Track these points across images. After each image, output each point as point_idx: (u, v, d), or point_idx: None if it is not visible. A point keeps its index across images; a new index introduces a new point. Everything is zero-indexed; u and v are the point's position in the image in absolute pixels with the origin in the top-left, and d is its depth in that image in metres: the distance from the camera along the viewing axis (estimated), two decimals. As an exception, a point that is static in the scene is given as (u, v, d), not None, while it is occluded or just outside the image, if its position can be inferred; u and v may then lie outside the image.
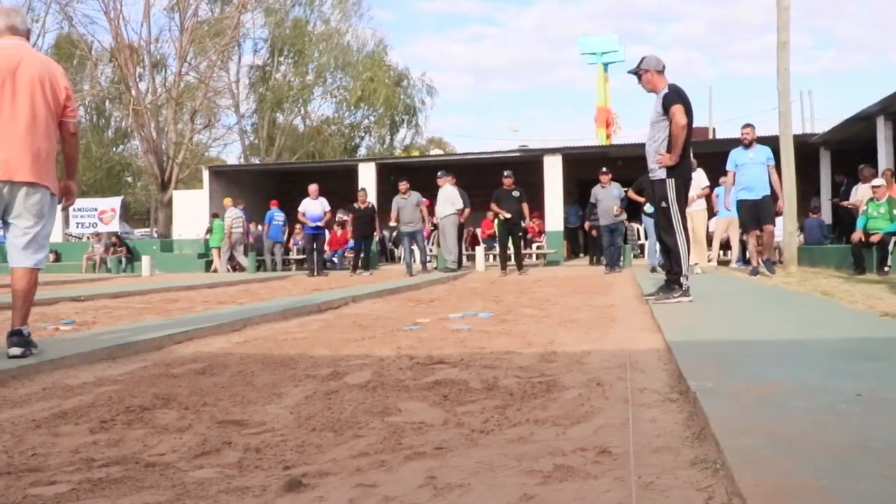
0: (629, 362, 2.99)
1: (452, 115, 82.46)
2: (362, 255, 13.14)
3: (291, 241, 17.06)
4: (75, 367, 3.25)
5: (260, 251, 16.01)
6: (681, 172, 5.29)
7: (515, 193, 11.49)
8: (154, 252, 17.31)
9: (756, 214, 8.44)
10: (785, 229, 10.10)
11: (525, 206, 11.67)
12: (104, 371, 3.18)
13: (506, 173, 11.63)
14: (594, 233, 12.29)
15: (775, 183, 8.56)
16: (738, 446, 1.57)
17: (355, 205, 13.10)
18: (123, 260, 17.86)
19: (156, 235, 24.88)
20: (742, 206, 8.56)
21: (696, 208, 9.29)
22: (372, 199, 14.50)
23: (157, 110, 26.84)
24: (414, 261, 12.86)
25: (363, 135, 35.25)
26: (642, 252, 15.90)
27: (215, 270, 15.70)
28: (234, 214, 15.61)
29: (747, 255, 9.52)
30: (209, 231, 16.39)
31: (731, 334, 3.54)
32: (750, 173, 8.44)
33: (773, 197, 8.56)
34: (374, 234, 13.55)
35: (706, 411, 1.89)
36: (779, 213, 9.08)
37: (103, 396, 2.61)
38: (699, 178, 9.23)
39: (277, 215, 15.64)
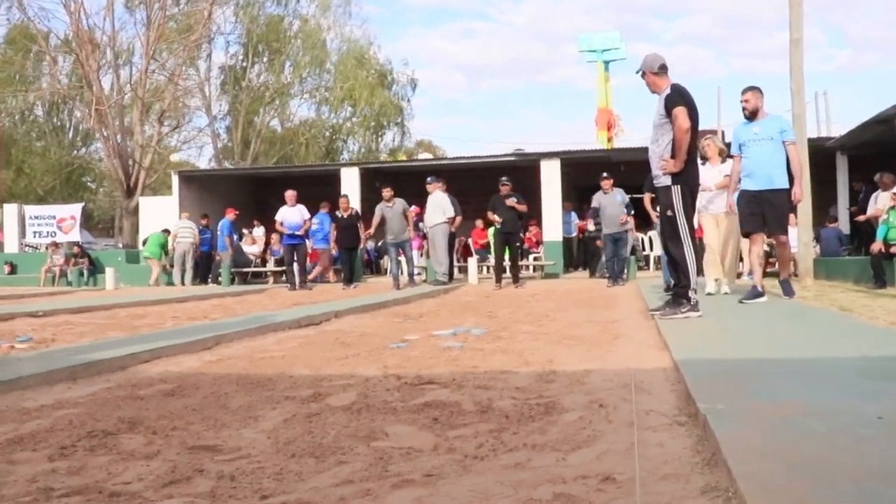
0: (634, 382, 2.99)
1: (442, 116, 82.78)
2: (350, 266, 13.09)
3: (268, 251, 17.04)
4: (32, 389, 3.22)
5: (238, 263, 16.05)
6: (687, 178, 5.33)
7: (512, 200, 11.52)
8: (119, 264, 17.24)
9: (759, 212, 6.55)
10: (800, 240, 10.16)
11: (523, 206, 11.68)
12: (64, 393, 3.16)
13: (503, 180, 11.68)
14: (599, 242, 12.30)
15: (795, 165, 6.51)
16: (751, 472, 1.58)
17: (338, 213, 13.10)
18: (85, 272, 17.75)
19: (121, 246, 24.80)
20: (741, 197, 6.72)
21: (719, 209, 7.45)
22: (356, 206, 14.49)
23: (122, 110, 26.80)
24: (401, 273, 12.86)
25: (346, 138, 35.34)
26: (647, 264, 16.00)
27: (160, 283, 15.88)
28: (181, 224, 15.87)
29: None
30: (144, 242, 16.63)
31: (743, 352, 3.56)
32: (753, 154, 6.55)
33: (789, 186, 6.54)
34: (360, 243, 13.52)
35: (717, 435, 1.90)
36: (794, 206, 7.30)
37: (63, 420, 2.58)
38: (723, 168, 7.47)
39: (231, 227, 15.62)
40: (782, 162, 6.49)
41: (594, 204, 11.83)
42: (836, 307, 5.95)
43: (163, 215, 17.74)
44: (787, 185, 6.47)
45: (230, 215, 15.38)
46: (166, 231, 16.56)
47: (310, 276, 14.09)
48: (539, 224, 16.29)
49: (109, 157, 25.53)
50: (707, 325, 4.83)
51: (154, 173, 27.46)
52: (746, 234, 6.83)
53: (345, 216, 12.97)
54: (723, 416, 2.09)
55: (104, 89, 26.01)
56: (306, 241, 13.60)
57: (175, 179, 18.35)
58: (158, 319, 6.94)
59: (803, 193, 6.75)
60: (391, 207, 12.39)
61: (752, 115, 6.62)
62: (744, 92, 6.70)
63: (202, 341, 4.67)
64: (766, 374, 2.86)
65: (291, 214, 12.94)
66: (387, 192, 12.50)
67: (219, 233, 15.66)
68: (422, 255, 15.68)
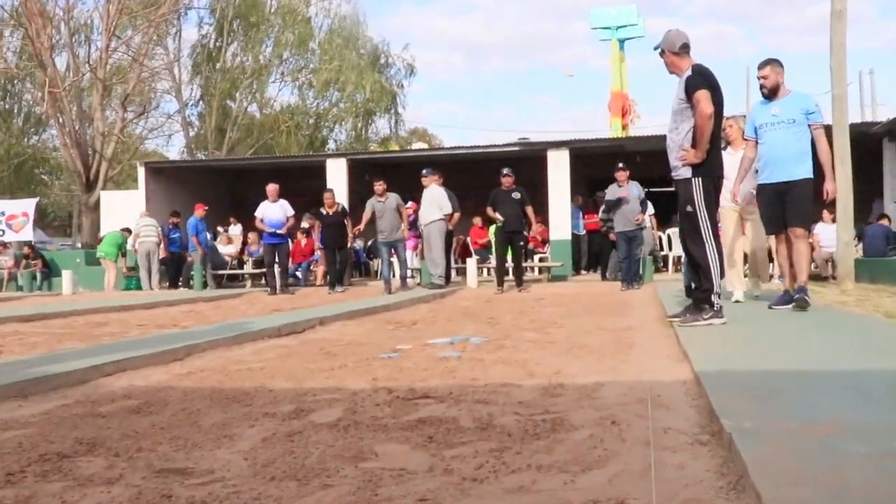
0: (650, 397, 3.00)
1: (439, 101, 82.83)
2: (337, 269, 13.09)
3: (246, 252, 17.05)
4: (-20, 406, 3.21)
5: (213, 265, 16.07)
6: (709, 170, 5.33)
7: (516, 195, 11.52)
8: (77, 266, 17.19)
9: (780, 209, 6.27)
10: (839, 238, 10.13)
11: (529, 210, 11.70)
12: (13, 411, 3.15)
13: (505, 171, 11.67)
14: (612, 235, 12.28)
15: (823, 155, 6.18)
16: (783, 499, 1.58)
17: (322, 210, 13.08)
18: (39, 275, 17.72)
19: (79, 246, 24.72)
20: (761, 192, 6.47)
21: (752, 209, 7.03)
22: (343, 200, 14.49)
23: (80, 93, 26.74)
24: (393, 275, 12.86)
25: (332, 125, 35.34)
26: (665, 265, 16.02)
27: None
28: (143, 223, 15.88)
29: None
30: (99, 241, 16.71)
31: (773, 363, 3.56)
32: (770, 140, 6.23)
33: (817, 178, 6.23)
34: (347, 243, 13.50)
35: (744, 456, 1.90)
36: (826, 203, 6.81)
37: (11, 443, 2.58)
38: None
39: (200, 224, 15.57)
40: (805, 149, 6.14)
41: (609, 196, 11.79)
42: (882, 313, 5.95)
43: (127, 212, 17.70)
44: (811, 176, 6.17)
45: (199, 212, 15.35)
46: (126, 230, 16.52)
47: (318, 281, 14.07)
48: (545, 221, 16.28)
49: (66, 146, 25.44)
50: (732, 333, 4.84)
51: (117, 165, 27.39)
52: (770, 233, 6.66)
53: (329, 213, 12.96)
54: (750, 436, 2.09)
55: (59, 69, 25.93)
56: (289, 240, 13.59)
57: (141, 172, 18.33)
58: (122, 328, 6.93)
59: (836, 189, 6.20)
60: (383, 203, 12.39)
61: (771, 94, 6.29)
62: (761, 66, 6.36)
63: (171, 352, 4.66)
64: (799, 388, 2.86)
65: (273, 210, 12.93)
66: (379, 186, 12.49)
67: (194, 233, 15.64)
68: (416, 256, 15.69)
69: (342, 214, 13.10)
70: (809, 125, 6.15)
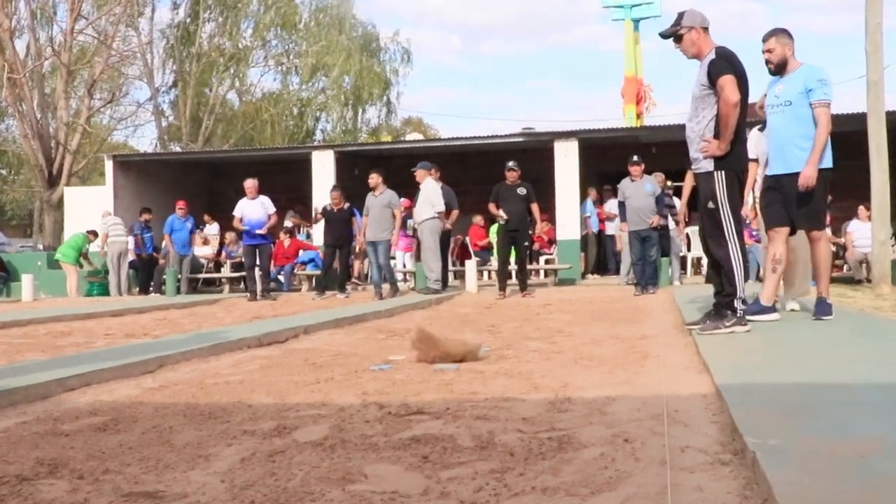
0: (667, 412, 3.00)
1: (434, 86, 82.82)
2: (336, 271, 13.00)
3: (223, 253, 17.03)
4: (-69, 423, 3.21)
5: (197, 268, 16.09)
6: (733, 162, 5.34)
7: (521, 191, 11.51)
8: (38, 269, 17.14)
9: (780, 202, 5.95)
10: (875, 237, 10.14)
11: (535, 208, 11.69)
12: (-29, 428, 3.14)
13: (510, 164, 11.65)
14: (623, 227, 12.24)
15: (817, 135, 5.66)
16: (810, 522, 1.58)
17: (327, 205, 13.00)
18: (-4, 280, 17.71)
19: (41, 247, 24.72)
20: (763, 185, 6.24)
21: None
22: (327, 198, 14.42)
23: (42, 79, 26.72)
24: (385, 280, 12.81)
25: (318, 114, 35.35)
26: (684, 267, 16.01)
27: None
28: (112, 221, 15.91)
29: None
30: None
31: (802, 375, 3.57)
32: (772, 126, 5.94)
33: (834, 167, 5.85)
34: (348, 243, 13.32)
35: (770, 478, 1.90)
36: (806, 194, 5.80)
37: (-31, 462, 2.57)
38: None
39: (176, 223, 15.56)
40: (805, 133, 5.72)
41: (620, 197, 11.79)
42: (920, 320, 5.96)
43: (93, 209, 17.66)
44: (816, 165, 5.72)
45: (178, 211, 15.39)
46: (92, 233, 16.48)
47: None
48: (552, 220, 16.26)
49: (27, 137, 25.43)
50: (757, 342, 4.84)
51: (83, 158, 27.38)
52: (769, 229, 6.13)
53: (335, 210, 12.86)
54: (776, 455, 2.09)
55: (18, 54, 25.90)
56: (271, 240, 13.56)
57: (109, 165, 18.27)
58: (87, 338, 6.92)
59: (812, 176, 5.63)
60: (375, 198, 12.35)
61: (778, 70, 5.90)
62: (765, 39, 5.94)
63: (142, 364, 4.66)
64: (830, 403, 2.87)
65: (252, 208, 12.90)
66: (373, 179, 12.42)
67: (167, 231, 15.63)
68: (407, 257, 15.67)
69: (349, 213, 12.98)
70: (811, 104, 5.69)
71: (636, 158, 11.61)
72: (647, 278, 11.49)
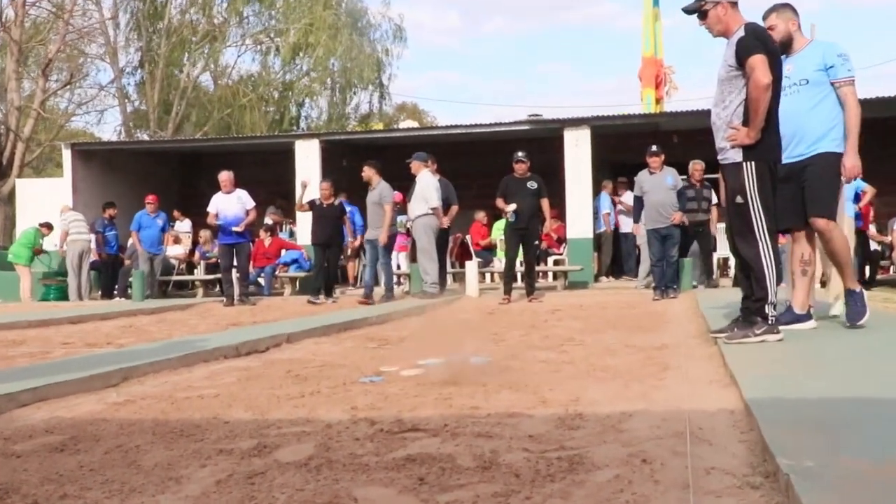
0: (689, 429, 3.00)
1: (431, 70, 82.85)
2: (325, 272, 12.98)
3: (196, 253, 17.03)
4: None
5: (167, 270, 16.11)
6: (764, 152, 5.31)
7: (532, 185, 11.45)
8: (-14, 271, 17.15)
9: (792, 198, 5.78)
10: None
11: (545, 203, 11.64)
12: (-87, 447, 3.14)
13: (519, 155, 11.59)
14: (636, 231, 12.26)
15: (850, 119, 5.65)
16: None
17: (316, 200, 12.99)
18: (-60, 283, 17.69)
19: (-10, 246, 24.70)
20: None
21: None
22: (315, 192, 14.42)
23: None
24: (377, 283, 12.80)
25: (302, 100, 35.33)
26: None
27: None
28: (72, 217, 15.85)
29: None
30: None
31: (840, 389, 3.57)
32: (784, 110, 5.45)
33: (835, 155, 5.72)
34: (340, 242, 13.31)
35: (805, 502, 1.89)
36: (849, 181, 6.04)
37: (-89, 485, 2.57)
38: None
39: (145, 219, 15.52)
40: (824, 118, 5.69)
41: (636, 191, 11.76)
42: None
43: (49, 204, 17.64)
44: (832, 150, 5.70)
45: (148, 206, 15.30)
46: (46, 226, 16.42)
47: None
48: (562, 216, 16.24)
49: (-27, 124, 25.46)
50: (789, 351, 4.84)
51: (37, 146, 27.36)
52: (785, 230, 6.08)
53: (325, 205, 12.84)
54: (812, 477, 2.09)
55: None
56: (249, 239, 13.54)
57: (67, 155, 18.26)
58: (43, 347, 6.91)
59: (858, 165, 5.61)
60: (370, 192, 12.35)
61: (783, 48, 5.77)
62: (765, 16, 5.93)
63: (105, 376, 4.65)
64: (872, 420, 2.87)
65: (228, 204, 12.89)
66: (365, 173, 12.38)
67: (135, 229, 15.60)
68: (401, 257, 15.69)
69: (339, 210, 12.98)
70: (832, 83, 5.66)
71: (655, 148, 11.58)
72: (667, 281, 11.47)
